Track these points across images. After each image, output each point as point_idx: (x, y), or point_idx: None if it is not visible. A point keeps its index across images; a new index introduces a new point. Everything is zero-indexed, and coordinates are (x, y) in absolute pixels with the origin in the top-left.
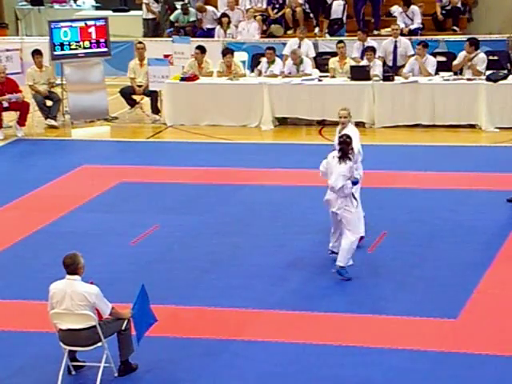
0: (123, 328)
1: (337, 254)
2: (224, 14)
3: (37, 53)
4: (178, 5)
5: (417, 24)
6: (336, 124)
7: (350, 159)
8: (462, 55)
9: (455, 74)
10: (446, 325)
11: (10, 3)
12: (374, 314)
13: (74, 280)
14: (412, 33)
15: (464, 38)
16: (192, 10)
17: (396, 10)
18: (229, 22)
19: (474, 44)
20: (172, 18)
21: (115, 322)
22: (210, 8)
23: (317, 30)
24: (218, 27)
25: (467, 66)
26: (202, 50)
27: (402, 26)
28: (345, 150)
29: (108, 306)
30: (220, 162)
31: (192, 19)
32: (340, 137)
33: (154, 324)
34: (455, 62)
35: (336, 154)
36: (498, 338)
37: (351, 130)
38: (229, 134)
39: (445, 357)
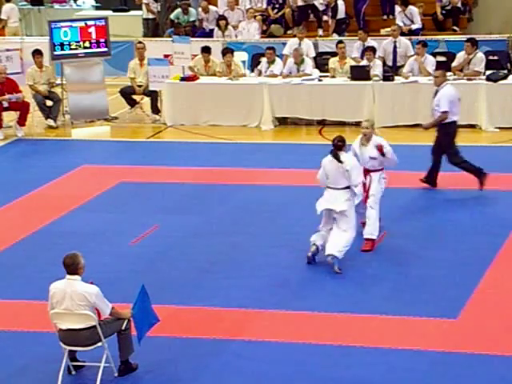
0: (123, 328)
1: (316, 251)
2: (222, 17)
3: (37, 53)
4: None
5: (417, 24)
6: (336, 124)
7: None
8: (460, 57)
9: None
10: (446, 325)
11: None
12: (374, 314)
13: (74, 280)
14: (413, 33)
15: (464, 38)
16: (192, 9)
17: (395, 9)
18: (226, 24)
19: (476, 44)
20: (172, 16)
21: (115, 321)
22: (212, 8)
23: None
24: (217, 29)
25: (467, 67)
26: (207, 50)
27: (401, 25)
28: (337, 153)
29: (108, 306)
30: (220, 162)
31: (192, 19)
32: (332, 140)
33: (157, 324)
34: (454, 64)
35: (330, 158)
36: (498, 337)
37: (375, 142)
38: (229, 134)
39: (445, 357)
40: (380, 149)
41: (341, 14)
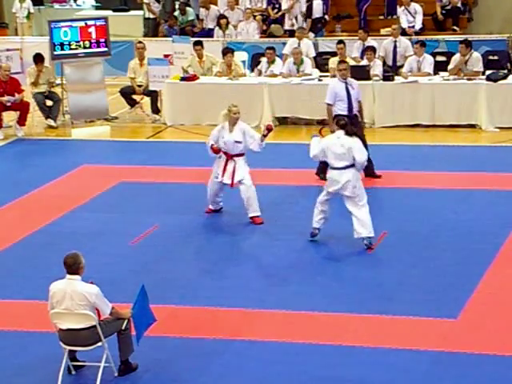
0: (123, 328)
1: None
2: (222, 16)
3: (38, 58)
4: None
5: (418, 23)
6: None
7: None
8: (455, 59)
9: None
10: (446, 325)
11: (10, 3)
12: (374, 313)
13: (75, 280)
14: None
15: (464, 38)
16: (189, 9)
17: (398, 8)
18: (227, 23)
19: (470, 45)
20: (177, 15)
21: (115, 321)
22: (214, 7)
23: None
24: (217, 28)
25: (465, 68)
26: (199, 43)
27: (404, 23)
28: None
29: (108, 306)
30: None
31: (190, 18)
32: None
33: (154, 324)
34: (450, 67)
35: (341, 133)
36: (498, 338)
37: (241, 126)
38: None
39: (445, 357)
40: (269, 128)
41: (316, 14)
